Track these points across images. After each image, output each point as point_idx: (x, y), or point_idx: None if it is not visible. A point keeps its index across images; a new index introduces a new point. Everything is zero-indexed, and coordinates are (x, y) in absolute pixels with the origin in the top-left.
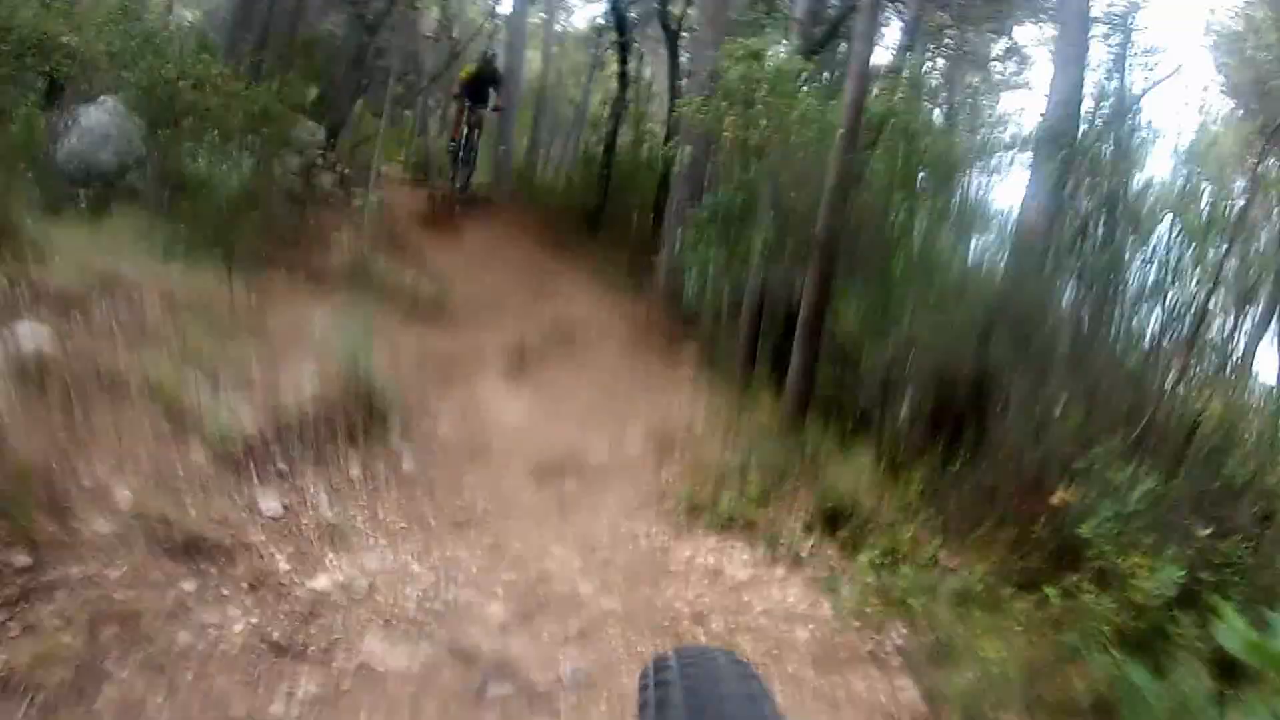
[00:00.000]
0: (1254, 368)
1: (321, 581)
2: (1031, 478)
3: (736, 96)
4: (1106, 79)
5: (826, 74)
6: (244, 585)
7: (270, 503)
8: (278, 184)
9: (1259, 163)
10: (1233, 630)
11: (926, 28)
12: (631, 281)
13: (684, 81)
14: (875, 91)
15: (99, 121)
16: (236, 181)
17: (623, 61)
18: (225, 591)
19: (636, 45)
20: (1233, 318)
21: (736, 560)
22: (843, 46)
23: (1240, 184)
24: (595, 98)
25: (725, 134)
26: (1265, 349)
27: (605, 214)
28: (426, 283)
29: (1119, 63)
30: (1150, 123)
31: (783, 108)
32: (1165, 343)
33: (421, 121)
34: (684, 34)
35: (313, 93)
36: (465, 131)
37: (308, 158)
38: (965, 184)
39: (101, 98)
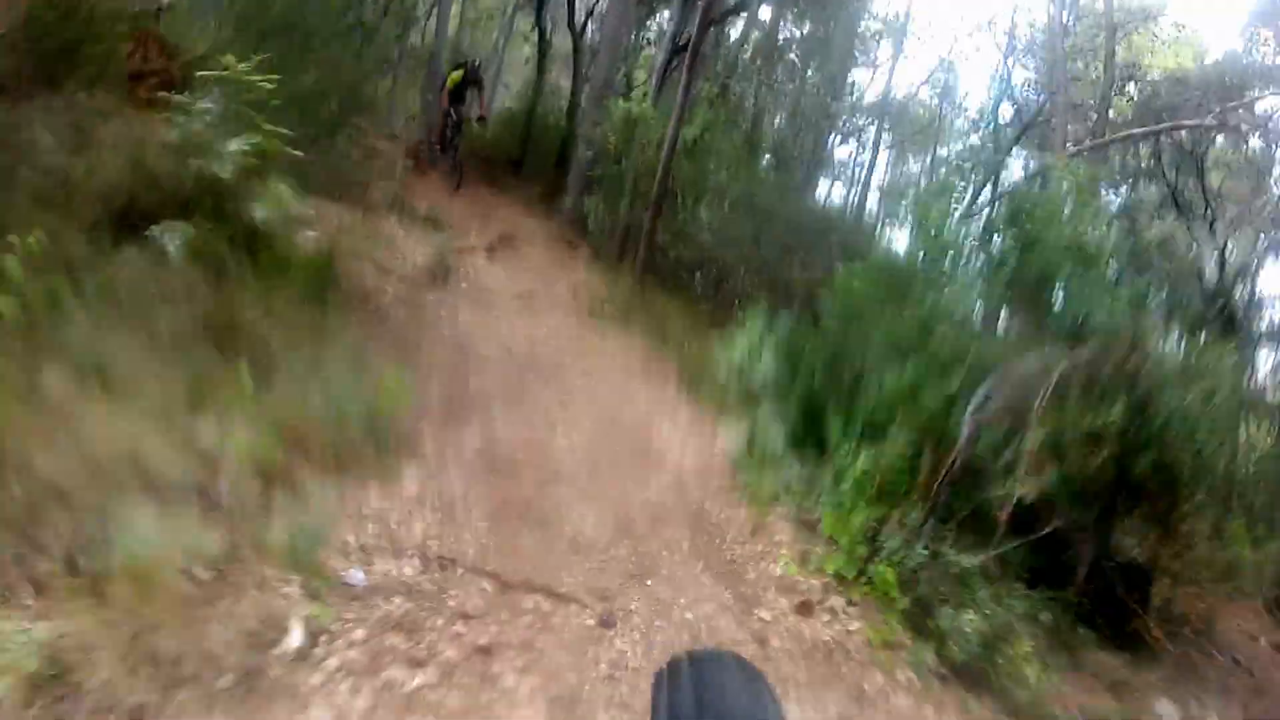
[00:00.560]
0: None
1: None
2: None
3: (617, 127)
4: None
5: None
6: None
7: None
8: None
9: None
10: None
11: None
12: (545, 210)
13: (586, 86)
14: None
15: None
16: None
17: (542, 55)
18: None
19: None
20: None
21: (604, 333)
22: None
23: None
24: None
25: (610, 142)
26: None
27: (525, 163)
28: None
29: None
30: None
31: (639, 132)
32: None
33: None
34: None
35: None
36: (449, 135)
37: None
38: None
39: None
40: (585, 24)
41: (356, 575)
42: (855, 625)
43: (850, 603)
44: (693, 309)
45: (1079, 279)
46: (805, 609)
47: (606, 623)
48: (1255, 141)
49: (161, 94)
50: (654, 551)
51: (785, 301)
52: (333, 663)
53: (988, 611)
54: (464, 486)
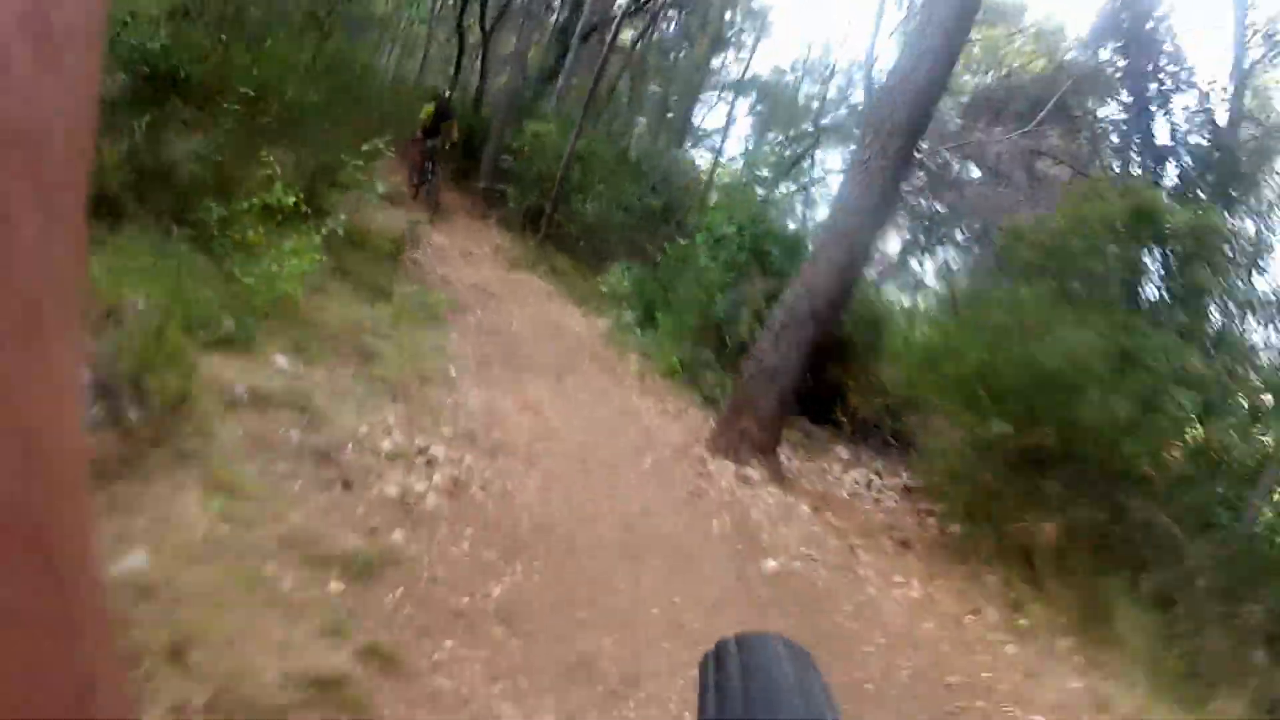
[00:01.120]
0: None
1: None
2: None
3: (527, 140)
4: None
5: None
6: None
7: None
8: None
9: None
10: None
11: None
12: (459, 188)
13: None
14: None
15: None
16: None
17: (460, 54)
18: None
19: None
20: None
21: (524, 277)
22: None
23: None
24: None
25: (523, 149)
26: None
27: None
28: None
29: None
30: None
31: (545, 144)
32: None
33: None
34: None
35: None
36: (428, 167)
37: None
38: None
39: None
40: (494, 28)
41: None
42: (661, 382)
43: (662, 376)
44: (580, 264)
45: (779, 245)
46: (641, 377)
47: (556, 382)
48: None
49: None
50: (572, 364)
51: (640, 258)
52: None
53: (725, 382)
54: (475, 334)
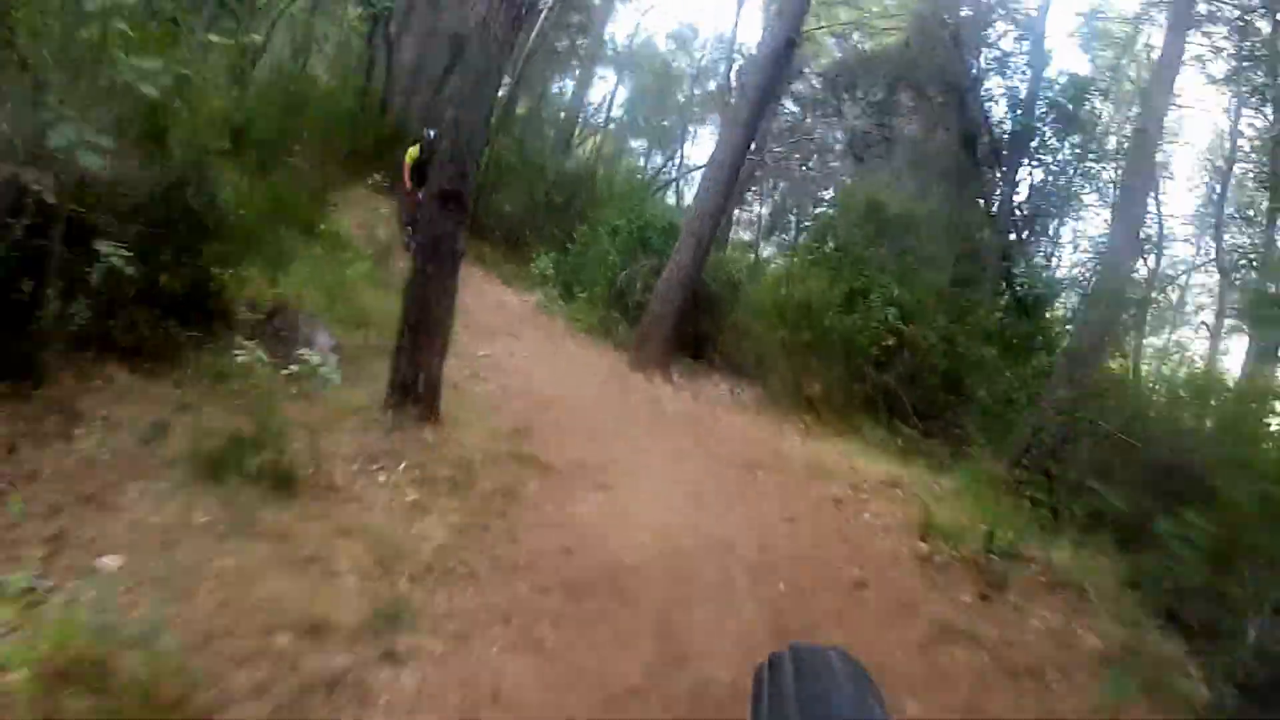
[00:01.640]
0: None
1: None
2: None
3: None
4: None
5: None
6: None
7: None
8: None
9: None
10: None
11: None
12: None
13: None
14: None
15: None
16: None
17: (371, 47)
18: None
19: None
20: None
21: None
22: None
23: None
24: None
25: None
26: None
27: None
28: None
29: None
30: None
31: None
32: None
33: None
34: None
35: None
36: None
37: None
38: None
39: None
40: (399, 37)
41: None
42: (585, 336)
43: (585, 333)
44: (506, 254)
45: (656, 233)
46: (572, 334)
47: (515, 339)
48: None
49: None
50: (521, 329)
51: (551, 246)
52: None
53: (630, 333)
54: None
